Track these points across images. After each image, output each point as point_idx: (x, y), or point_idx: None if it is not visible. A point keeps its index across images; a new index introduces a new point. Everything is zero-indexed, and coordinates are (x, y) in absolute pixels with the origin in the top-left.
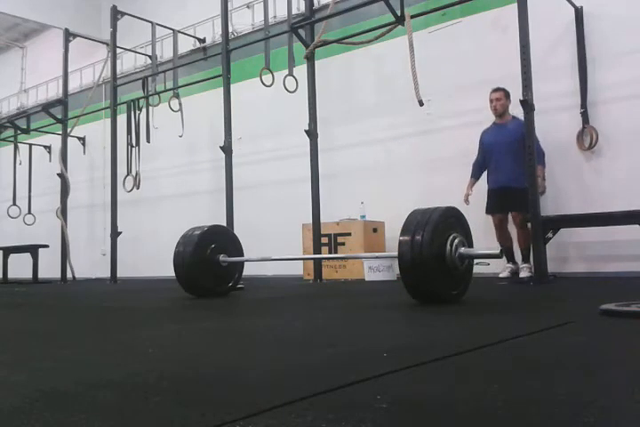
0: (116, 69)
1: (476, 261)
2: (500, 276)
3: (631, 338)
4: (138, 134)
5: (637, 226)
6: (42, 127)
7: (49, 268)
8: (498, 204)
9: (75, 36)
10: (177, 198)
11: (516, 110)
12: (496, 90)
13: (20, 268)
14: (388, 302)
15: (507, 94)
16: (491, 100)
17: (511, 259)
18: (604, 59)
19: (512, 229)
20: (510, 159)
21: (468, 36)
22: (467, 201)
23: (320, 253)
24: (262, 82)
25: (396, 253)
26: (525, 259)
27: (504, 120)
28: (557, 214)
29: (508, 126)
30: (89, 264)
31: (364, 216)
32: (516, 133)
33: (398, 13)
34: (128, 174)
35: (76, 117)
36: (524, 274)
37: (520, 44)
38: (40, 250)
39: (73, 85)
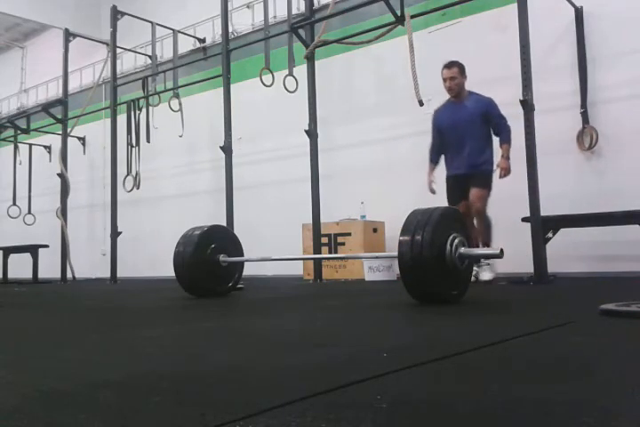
0: (115, 69)
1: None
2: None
3: (631, 338)
4: (138, 134)
5: (637, 226)
6: (42, 127)
7: (49, 268)
8: (459, 192)
9: (75, 36)
10: (177, 198)
11: (516, 110)
12: (449, 66)
13: (20, 268)
14: (388, 302)
15: (461, 70)
16: (444, 79)
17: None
18: (603, 59)
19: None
20: (472, 141)
21: (468, 36)
22: (432, 190)
23: (320, 253)
24: (262, 82)
25: (395, 253)
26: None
27: (460, 99)
28: (557, 214)
29: (466, 104)
30: (89, 264)
31: (364, 216)
32: (477, 110)
33: (398, 13)
34: (128, 174)
35: (76, 117)
36: (486, 276)
37: (520, 44)
38: (40, 250)
39: (73, 85)
